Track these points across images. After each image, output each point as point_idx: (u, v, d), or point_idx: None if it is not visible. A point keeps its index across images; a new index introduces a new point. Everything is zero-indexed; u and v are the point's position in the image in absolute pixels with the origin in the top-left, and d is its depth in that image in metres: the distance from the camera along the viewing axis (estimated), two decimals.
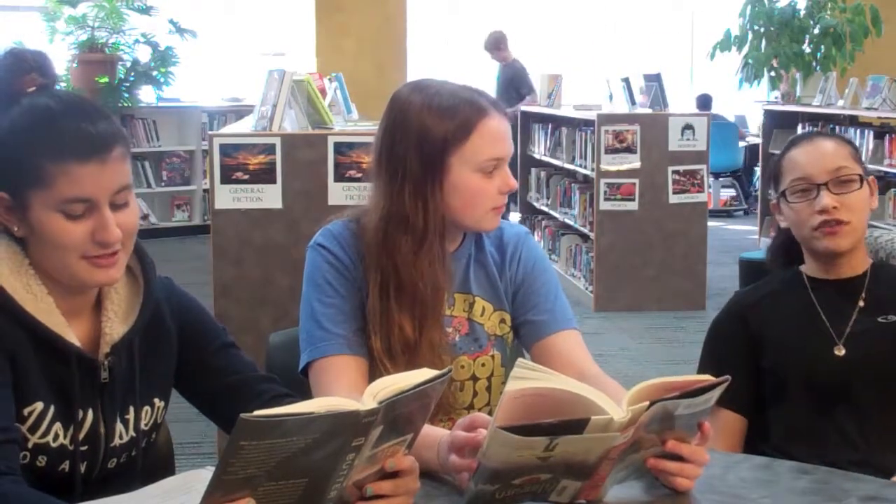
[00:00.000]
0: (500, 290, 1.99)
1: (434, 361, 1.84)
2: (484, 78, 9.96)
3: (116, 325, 1.65)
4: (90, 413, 1.62)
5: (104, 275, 1.58)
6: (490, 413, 1.95)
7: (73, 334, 1.60)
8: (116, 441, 1.66)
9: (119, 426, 1.66)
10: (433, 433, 1.62)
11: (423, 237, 1.87)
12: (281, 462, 1.28)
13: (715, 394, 1.50)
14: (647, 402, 1.44)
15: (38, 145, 1.53)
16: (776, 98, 9.44)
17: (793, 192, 2.14)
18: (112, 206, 1.55)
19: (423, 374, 1.41)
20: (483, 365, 1.96)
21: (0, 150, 1.56)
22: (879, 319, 2.13)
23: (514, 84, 9.57)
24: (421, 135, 1.86)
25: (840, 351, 2.12)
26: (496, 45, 9.77)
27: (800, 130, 8.74)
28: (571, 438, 1.39)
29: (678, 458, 1.54)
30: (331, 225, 1.98)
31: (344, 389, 1.76)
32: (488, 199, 1.88)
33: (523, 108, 9.09)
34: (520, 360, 1.42)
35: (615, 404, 1.43)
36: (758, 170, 10.27)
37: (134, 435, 1.68)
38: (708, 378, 1.50)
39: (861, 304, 2.15)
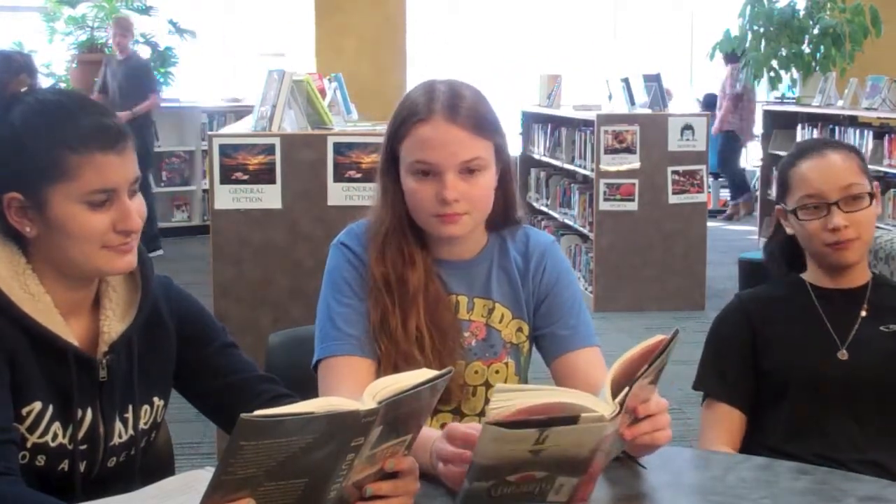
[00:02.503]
0: (521, 298, 1.98)
1: (412, 352, 1.86)
2: (483, 77, 9.95)
3: (115, 324, 1.65)
4: (89, 412, 1.62)
5: (123, 262, 1.60)
6: (461, 408, 1.96)
7: (71, 333, 1.60)
8: (116, 440, 1.66)
9: (118, 425, 1.66)
10: (427, 433, 1.62)
11: (386, 230, 1.91)
12: (281, 462, 1.28)
13: (671, 348, 1.51)
14: (627, 389, 1.45)
15: (61, 139, 1.54)
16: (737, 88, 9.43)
17: (803, 209, 2.13)
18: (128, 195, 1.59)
19: (423, 374, 1.41)
20: (497, 372, 1.95)
21: (13, 149, 1.56)
22: (881, 328, 2.15)
23: (135, 81, 8.37)
24: (386, 131, 1.93)
25: (843, 355, 2.13)
26: (122, 30, 8.53)
27: (799, 131, 8.75)
28: (562, 430, 1.39)
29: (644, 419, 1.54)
30: (355, 224, 1.99)
31: (349, 390, 1.76)
32: (424, 205, 1.86)
33: (524, 108, 9.08)
34: (498, 385, 1.42)
35: (601, 400, 1.43)
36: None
37: (133, 434, 1.68)
38: (662, 337, 1.50)
39: (864, 312, 2.16)
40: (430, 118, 1.84)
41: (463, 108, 1.85)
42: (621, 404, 1.44)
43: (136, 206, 1.60)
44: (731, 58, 9.87)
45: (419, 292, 1.89)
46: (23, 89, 1.60)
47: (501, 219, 1.99)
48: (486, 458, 1.41)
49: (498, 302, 1.97)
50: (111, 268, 1.61)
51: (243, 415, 1.21)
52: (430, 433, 1.63)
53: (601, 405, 1.42)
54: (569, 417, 1.39)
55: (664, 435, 1.55)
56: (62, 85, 8.81)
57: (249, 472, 1.26)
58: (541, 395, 1.40)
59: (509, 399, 1.38)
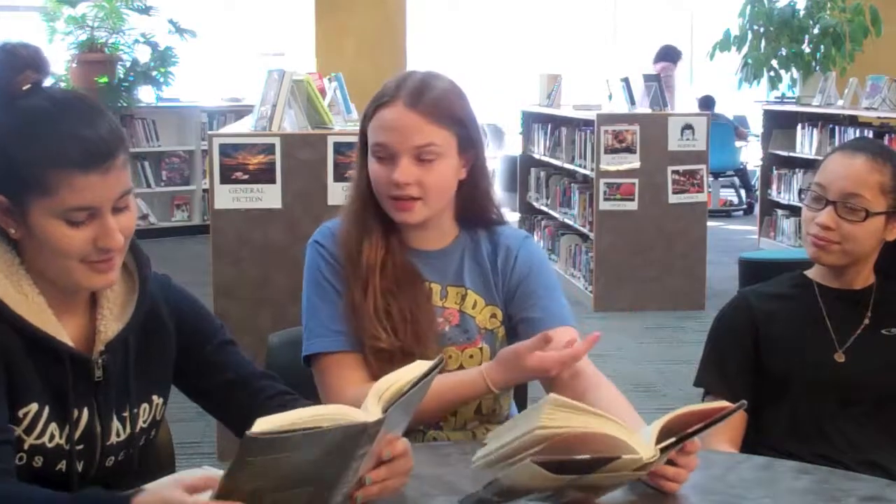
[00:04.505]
0: (491, 285, 2.03)
1: (380, 334, 1.90)
2: (483, 77, 9.93)
3: (111, 323, 1.64)
4: (85, 412, 1.61)
5: (102, 279, 1.58)
6: (480, 406, 2.00)
7: (65, 334, 1.59)
8: (113, 439, 1.65)
9: (115, 424, 1.65)
10: (468, 370, 1.88)
11: (356, 212, 1.98)
12: (287, 473, 1.27)
13: (731, 416, 1.52)
14: (673, 440, 1.46)
15: (40, 154, 1.50)
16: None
17: (809, 193, 2.15)
18: (113, 210, 1.55)
19: (419, 367, 1.43)
20: (471, 356, 1.99)
21: (1, 157, 1.52)
22: (883, 332, 2.15)
23: None
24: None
25: (840, 358, 2.13)
26: None
27: (799, 131, 8.74)
28: (600, 475, 1.40)
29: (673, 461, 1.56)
30: (329, 222, 2.04)
31: (352, 387, 1.84)
32: (383, 187, 1.93)
33: (524, 108, 9.07)
34: (552, 395, 1.41)
35: (643, 441, 1.43)
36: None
37: (132, 432, 1.67)
38: (726, 405, 1.52)
39: (868, 315, 2.16)
40: (392, 103, 1.91)
41: (427, 96, 1.91)
42: (662, 451, 1.45)
43: (123, 222, 1.56)
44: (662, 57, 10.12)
45: (374, 269, 1.94)
46: (25, 87, 1.56)
47: (472, 215, 2.04)
48: (516, 483, 1.41)
49: (470, 289, 2.01)
50: (88, 284, 1.58)
51: (249, 433, 1.20)
52: (464, 373, 1.87)
53: (643, 447, 1.42)
54: (610, 458, 1.38)
55: (674, 488, 1.57)
56: (62, 84, 8.79)
57: (256, 484, 1.26)
58: (591, 421, 1.40)
59: (564, 419, 1.37)
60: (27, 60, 1.56)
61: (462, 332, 1.99)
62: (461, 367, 1.97)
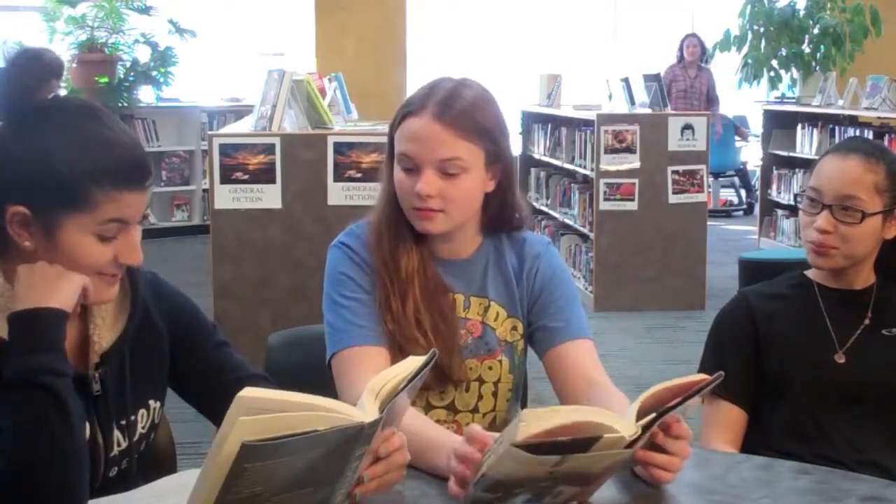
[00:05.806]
0: (515, 297, 2.00)
1: (414, 335, 1.89)
2: (483, 77, 9.90)
3: (105, 332, 1.61)
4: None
5: (109, 293, 1.57)
6: (495, 419, 1.98)
7: None
8: (115, 450, 1.63)
9: (116, 434, 1.64)
10: (444, 437, 1.66)
11: (384, 216, 1.95)
12: (286, 477, 1.27)
13: (709, 389, 1.52)
14: (654, 415, 1.45)
15: (95, 175, 1.48)
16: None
17: (805, 198, 2.14)
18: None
19: (412, 363, 1.43)
20: (490, 368, 1.97)
21: (38, 170, 1.48)
22: (883, 332, 2.14)
23: None
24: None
25: (840, 358, 2.12)
26: None
27: (799, 131, 8.74)
28: (582, 456, 1.40)
29: (664, 450, 1.54)
30: (354, 225, 2.02)
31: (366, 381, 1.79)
32: (406, 197, 1.91)
33: (524, 108, 9.07)
34: (526, 411, 1.40)
35: (624, 421, 1.43)
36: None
37: (131, 440, 1.66)
38: (703, 377, 1.51)
39: (868, 315, 2.16)
40: (420, 113, 1.88)
41: (455, 108, 1.87)
42: (644, 428, 1.44)
43: (139, 237, 1.56)
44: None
45: (413, 277, 1.92)
46: (50, 96, 1.53)
47: (498, 222, 2.01)
48: (502, 475, 1.41)
49: (493, 301, 1.99)
50: (97, 298, 1.56)
51: (245, 440, 1.20)
52: (449, 437, 1.66)
53: (624, 425, 1.42)
54: (591, 438, 1.38)
55: (667, 477, 1.55)
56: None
57: (255, 490, 1.26)
58: (569, 415, 1.39)
59: (540, 420, 1.37)
60: (54, 69, 1.53)
61: (483, 344, 1.98)
62: (480, 379, 1.96)
